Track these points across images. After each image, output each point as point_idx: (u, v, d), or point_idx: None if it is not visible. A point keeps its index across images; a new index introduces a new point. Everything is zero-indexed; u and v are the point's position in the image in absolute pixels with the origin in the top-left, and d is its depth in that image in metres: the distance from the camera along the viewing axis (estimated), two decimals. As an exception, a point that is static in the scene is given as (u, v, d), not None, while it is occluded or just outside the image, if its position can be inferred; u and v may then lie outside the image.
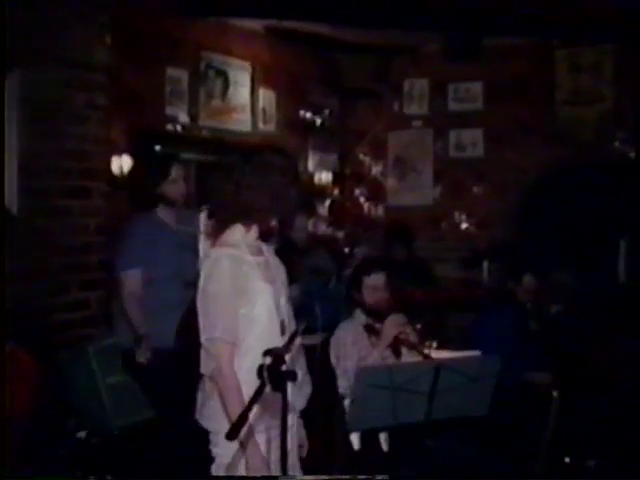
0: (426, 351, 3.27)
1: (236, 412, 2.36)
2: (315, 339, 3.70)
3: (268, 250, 2.74)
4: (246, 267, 2.55)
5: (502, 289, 4.75)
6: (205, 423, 2.60)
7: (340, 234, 6.78)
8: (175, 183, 3.97)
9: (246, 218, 2.59)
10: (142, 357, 3.77)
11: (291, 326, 2.60)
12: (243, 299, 2.52)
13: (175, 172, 3.97)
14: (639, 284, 6.56)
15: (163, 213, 4.00)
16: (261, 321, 2.55)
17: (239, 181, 2.57)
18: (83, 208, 4.63)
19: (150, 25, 5.26)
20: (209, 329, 2.50)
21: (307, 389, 2.74)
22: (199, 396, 2.64)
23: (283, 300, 2.66)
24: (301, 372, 2.69)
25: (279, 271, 2.73)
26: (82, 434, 3.85)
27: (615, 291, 6.55)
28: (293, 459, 2.64)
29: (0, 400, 2.83)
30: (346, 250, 3.47)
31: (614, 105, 6.37)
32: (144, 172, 4.20)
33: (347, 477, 2.32)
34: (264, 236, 2.68)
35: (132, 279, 3.84)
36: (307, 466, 2.72)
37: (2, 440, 2.82)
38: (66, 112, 4.52)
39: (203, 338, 2.51)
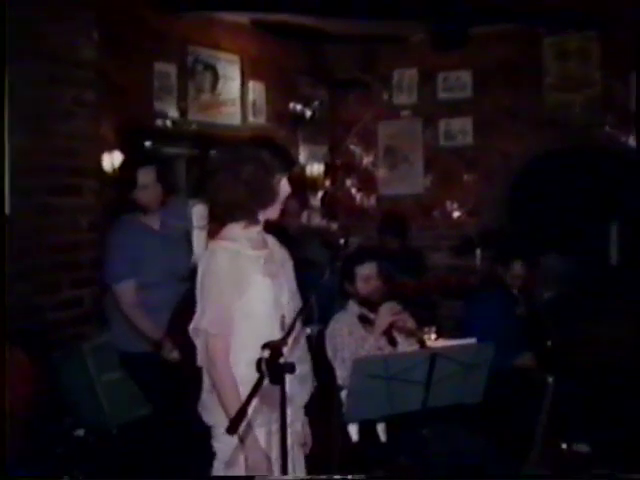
0: (425, 336, 3.27)
1: (230, 405, 2.38)
2: (311, 330, 3.70)
3: (275, 243, 2.70)
4: (243, 260, 2.52)
5: (492, 276, 4.76)
6: (206, 417, 2.58)
7: (334, 225, 6.78)
8: (145, 189, 3.74)
9: (231, 215, 2.56)
10: (170, 355, 3.58)
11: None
12: (238, 293, 2.50)
13: (143, 178, 3.73)
14: (630, 267, 6.61)
15: (144, 216, 3.83)
16: (257, 315, 2.52)
17: (221, 178, 2.53)
18: (74, 206, 4.61)
19: (136, 21, 5.24)
20: (196, 320, 2.51)
21: (311, 384, 2.72)
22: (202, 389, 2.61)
23: (286, 295, 2.60)
24: (306, 366, 2.68)
25: (284, 265, 2.68)
26: (80, 432, 3.85)
27: (606, 275, 6.59)
28: (296, 454, 2.62)
29: (0, 400, 2.82)
30: (341, 241, 3.45)
31: (603, 90, 6.37)
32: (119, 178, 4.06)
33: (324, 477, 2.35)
34: (269, 228, 2.64)
35: (126, 291, 3.71)
36: (306, 458, 2.71)
37: (2, 440, 2.81)
38: (54, 109, 4.50)
39: (190, 327, 2.51)
